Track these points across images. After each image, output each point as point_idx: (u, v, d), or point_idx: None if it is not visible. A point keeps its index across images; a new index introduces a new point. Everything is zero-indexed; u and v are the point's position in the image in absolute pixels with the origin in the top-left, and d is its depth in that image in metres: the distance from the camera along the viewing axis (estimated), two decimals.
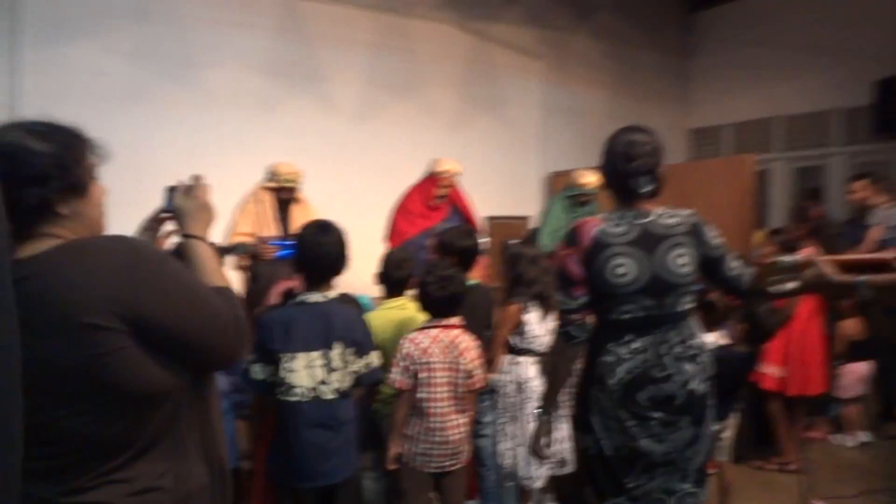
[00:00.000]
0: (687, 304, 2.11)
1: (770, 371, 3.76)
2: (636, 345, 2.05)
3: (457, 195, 5.04)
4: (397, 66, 6.89)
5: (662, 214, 2.12)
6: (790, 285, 2.22)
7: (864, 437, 4.29)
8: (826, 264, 2.15)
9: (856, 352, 4.22)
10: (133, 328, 1.11)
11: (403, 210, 4.88)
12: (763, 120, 8.00)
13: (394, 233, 4.84)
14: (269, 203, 4.42)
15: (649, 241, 2.06)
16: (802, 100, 7.53)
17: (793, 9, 7.55)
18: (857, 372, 4.24)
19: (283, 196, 4.43)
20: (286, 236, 4.39)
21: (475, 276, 3.43)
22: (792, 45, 7.50)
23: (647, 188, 2.10)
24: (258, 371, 2.30)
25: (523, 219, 7.13)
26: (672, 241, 2.07)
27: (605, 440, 2.08)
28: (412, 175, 5.31)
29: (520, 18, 7.65)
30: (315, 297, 2.37)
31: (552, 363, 2.25)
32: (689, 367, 2.07)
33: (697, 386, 2.08)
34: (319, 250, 2.35)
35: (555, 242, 5.21)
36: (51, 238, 1.17)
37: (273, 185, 4.41)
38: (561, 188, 5.61)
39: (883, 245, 4.45)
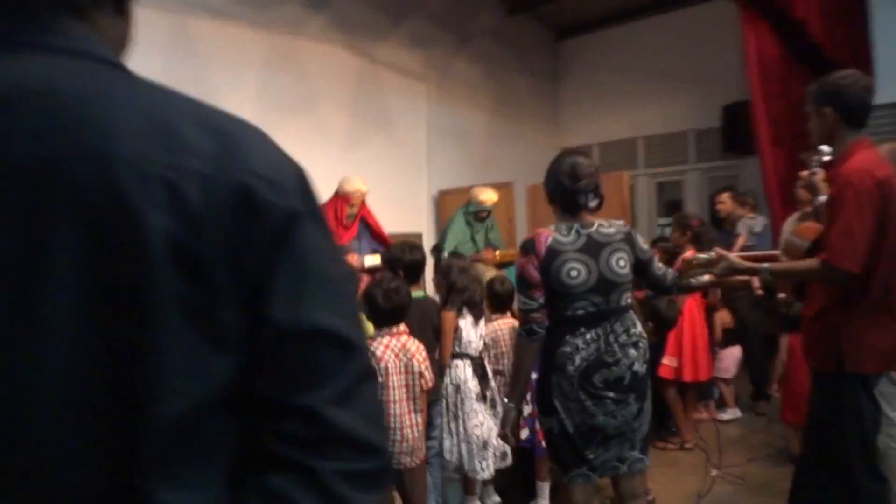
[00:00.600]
0: (627, 299, 2.46)
1: (666, 361, 4.24)
2: (589, 336, 2.37)
3: (366, 213, 5.22)
4: (289, 86, 6.98)
5: (602, 224, 2.47)
6: (706, 277, 2.64)
7: (737, 412, 4.91)
8: (733, 258, 2.59)
9: (728, 338, 4.85)
10: None
11: None
12: (627, 140, 8.79)
13: None
14: None
15: (594, 248, 2.40)
16: (661, 122, 8.37)
17: (648, 39, 8.38)
18: (731, 356, 4.86)
19: None
20: None
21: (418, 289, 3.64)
22: (649, 72, 8.31)
23: (594, 203, 2.45)
24: None
25: (416, 235, 7.40)
26: (612, 247, 2.42)
27: (567, 419, 2.37)
28: None
29: (405, 41, 7.95)
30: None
31: (516, 357, 2.51)
32: (632, 352, 2.42)
33: (640, 367, 2.44)
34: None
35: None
36: None
37: None
38: (461, 205, 5.94)
39: (749, 250, 5.13)
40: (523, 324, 2.42)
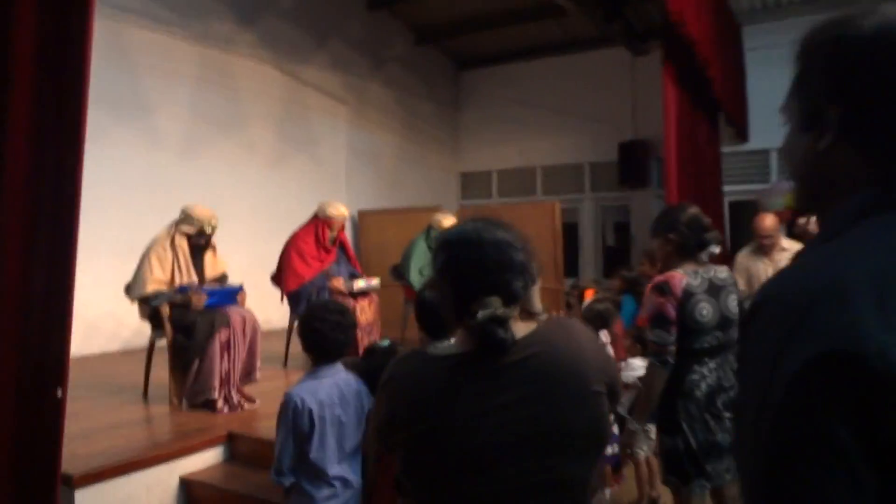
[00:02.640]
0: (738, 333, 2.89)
1: None
2: (712, 365, 2.77)
3: (344, 237, 5.27)
4: (220, 102, 6.76)
5: (717, 269, 2.87)
6: None
7: None
8: None
9: None
10: (608, 391, 1.45)
11: (298, 252, 4.97)
12: (526, 168, 9.43)
13: (292, 274, 4.91)
14: (183, 249, 4.19)
15: (715, 290, 2.80)
16: (558, 153, 9.09)
17: (545, 77, 9.08)
18: None
19: (200, 242, 4.24)
20: (206, 283, 4.23)
21: None
22: (546, 107, 9.01)
23: (717, 251, 2.86)
24: None
25: None
26: (728, 290, 2.83)
27: (692, 437, 2.74)
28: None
29: (327, 63, 7.97)
30: None
31: (647, 384, 2.84)
32: None
33: None
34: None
35: (422, 279, 5.72)
36: (527, 316, 1.43)
37: (192, 230, 4.19)
38: (379, 226, 6.19)
39: None
40: (657, 355, 2.76)
